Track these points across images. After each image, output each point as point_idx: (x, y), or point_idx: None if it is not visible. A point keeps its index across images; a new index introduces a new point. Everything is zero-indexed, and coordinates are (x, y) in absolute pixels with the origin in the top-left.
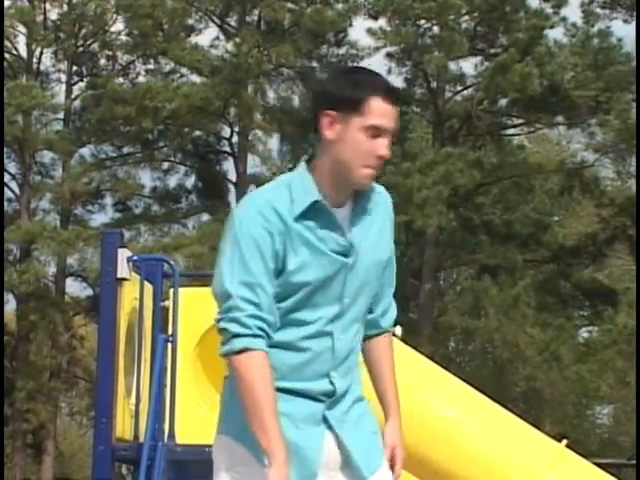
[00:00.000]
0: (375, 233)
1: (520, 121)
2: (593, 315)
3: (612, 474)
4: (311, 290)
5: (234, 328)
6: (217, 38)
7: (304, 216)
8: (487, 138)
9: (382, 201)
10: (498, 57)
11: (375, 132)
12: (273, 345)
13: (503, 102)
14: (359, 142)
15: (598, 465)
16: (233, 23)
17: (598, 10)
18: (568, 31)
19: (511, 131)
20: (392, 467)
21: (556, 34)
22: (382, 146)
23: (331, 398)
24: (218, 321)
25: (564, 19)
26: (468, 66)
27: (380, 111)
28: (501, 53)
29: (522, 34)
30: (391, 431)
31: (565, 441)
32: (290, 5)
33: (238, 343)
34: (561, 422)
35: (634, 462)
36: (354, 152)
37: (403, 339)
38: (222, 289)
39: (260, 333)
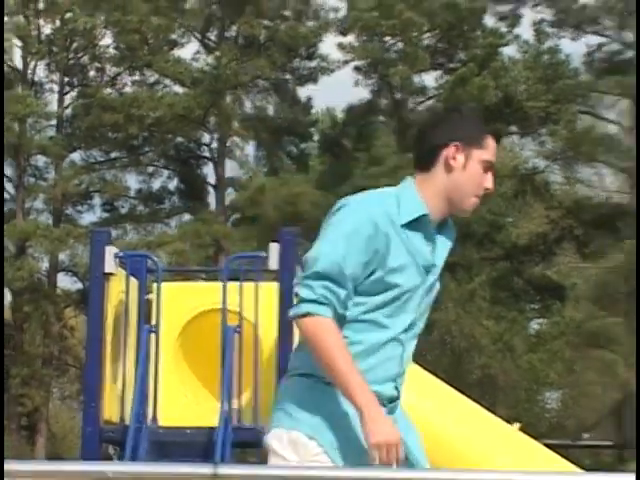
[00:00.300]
0: (444, 260)
1: None
2: (543, 309)
3: (559, 454)
4: (399, 294)
5: (303, 293)
6: (198, 52)
7: (409, 226)
8: None
9: (453, 234)
10: (457, 71)
11: (487, 166)
12: (355, 343)
13: None
14: (476, 173)
15: (547, 446)
16: (213, 38)
17: (548, 29)
18: (521, 48)
19: None
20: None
21: (510, 51)
22: (490, 180)
23: (392, 403)
24: (295, 285)
25: (517, 37)
26: (430, 79)
27: (493, 148)
28: (460, 67)
29: (479, 50)
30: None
31: (518, 424)
32: (265, 22)
33: (303, 307)
34: (514, 407)
35: (579, 443)
36: (471, 181)
37: None
38: (312, 259)
39: (325, 301)
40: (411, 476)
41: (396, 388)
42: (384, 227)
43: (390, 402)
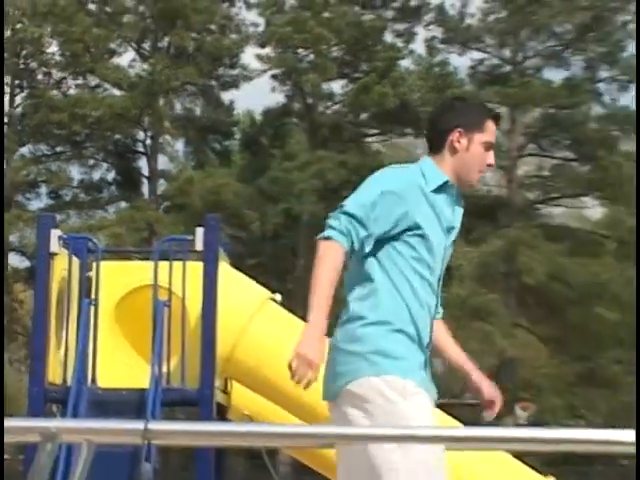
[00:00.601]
0: (459, 224)
1: (377, 131)
2: None
3: (445, 411)
4: (430, 247)
5: (331, 222)
6: (134, 60)
7: (436, 190)
8: (351, 144)
9: (462, 202)
10: (361, 80)
11: (487, 146)
12: (406, 294)
13: (364, 116)
14: (478, 153)
15: (437, 405)
16: (147, 48)
17: (439, 45)
18: (415, 61)
19: (370, 139)
20: (491, 403)
21: (406, 63)
22: (491, 157)
23: (428, 348)
24: (328, 217)
25: (412, 52)
26: (337, 86)
27: (492, 130)
28: (363, 77)
29: (380, 62)
30: (481, 378)
31: None
32: (194, 34)
33: (327, 232)
34: None
35: (462, 402)
36: (474, 160)
37: (282, 304)
38: (346, 202)
39: (345, 233)
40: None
41: (430, 335)
42: (415, 191)
43: (427, 347)
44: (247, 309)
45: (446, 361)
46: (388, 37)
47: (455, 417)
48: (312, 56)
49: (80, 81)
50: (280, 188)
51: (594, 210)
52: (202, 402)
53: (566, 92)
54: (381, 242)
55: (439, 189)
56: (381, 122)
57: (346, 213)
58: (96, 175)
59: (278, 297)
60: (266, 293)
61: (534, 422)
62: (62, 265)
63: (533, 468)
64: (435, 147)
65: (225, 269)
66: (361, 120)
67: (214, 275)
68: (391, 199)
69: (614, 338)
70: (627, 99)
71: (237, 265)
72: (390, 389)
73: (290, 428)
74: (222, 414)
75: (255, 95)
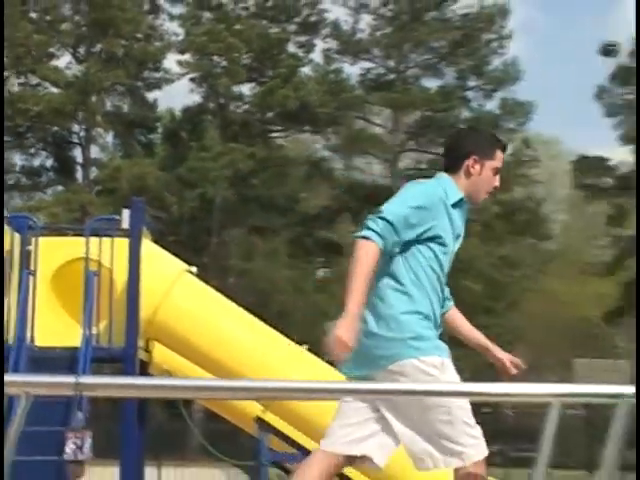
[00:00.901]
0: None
1: (280, 128)
2: (326, 261)
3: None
4: (445, 251)
5: (370, 224)
6: (71, 62)
7: (454, 205)
8: (258, 139)
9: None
10: (267, 84)
11: (496, 171)
12: (427, 287)
13: (269, 115)
14: (488, 177)
15: (327, 362)
16: (82, 52)
17: (334, 55)
18: (314, 68)
19: (274, 134)
20: (509, 369)
21: (306, 70)
22: (497, 180)
23: (439, 328)
24: (367, 219)
25: (311, 60)
26: (246, 89)
27: (500, 158)
28: (269, 81)
29: (283, 69)
30: (500, 351)
31: (306, 345)
32: (123, 42)
33: (365, 232)
34: (304, 334)
35: None
36: (484, 183)
37: (198, 275)
38: (386, 209)
39: (382, 235)
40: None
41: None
42: (440, 206)
43: (439, 327)
44: (167, 279)
45: (467, 340)
46: (291, 47)
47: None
48: (225, 62)
49: (23, 80)
50: (196, 175)
51: None
52: (126, 359)
53: (440, 98)
54: (408, 244)
55: (455, 204)
56: (284, 120)
57: (384, 219)
58: (36, 162)
59: (194, 269)
60: (183, 266)
61: None
62: (6, 240)
63: None
64: (452, 168)
65: (148, 245)
66: (267, 118)
67: (138, 250)
68: (423, 214)
69: (479, 306)
70: (492, 105)
71: (158, 241)
72: (430, 367)
73: (203, 382)
74: (144, 370)
75: (175, 95)
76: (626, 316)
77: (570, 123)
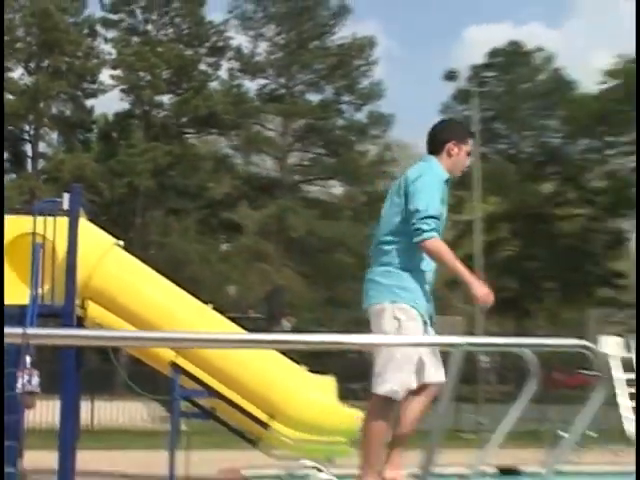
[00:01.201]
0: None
1: (193, 130)
2: (228, 238)
3: (236, 323)
4: (442, 220)
5: (425, 227)
6: (23, 74)
7: (445, 181)
8: (175, 139)
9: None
10: (183, 95)
11: (468, 154)
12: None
13: (184, 119)
14: (463, 158)
15: (229, 318)
16: (33, 66)
17: (237, 73)
18: (220, 83)
19: (188, 136)
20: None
21: (214, 84)
22: (468, 162)
23: (430, 284)
24: (415, 224)
25: (218, 77)
26: (165, 99)
27: (471, 144)
28: (184, 93)
29: (196, 83)
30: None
31: (211, 305)
32: (67, 59)
33: (426, 235)
34: (210, 295)
35: (247, 316)
36: (460, 163)
37: (125, 248)
38: (424, 208)
39: (437, 230)
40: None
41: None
42: (443, 185)
43: (431, 283)
44: (99, 250)
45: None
46: (202, 66)
47: (242, 326)
48: (149, 77)
49: None
50: (124, 167)
51: (337, 189)
52: (66, 315)
53: (320, 109)
54: None
55: (445, 181)
56: (195, 124)
57: (431, 216)
58: None
59: (121, 243)
60: (113, 240)
61: (295, 330)
62: None
63: (293, 359)
64: (436, 151)
65: (84, 223)
66: (182, 122)
67: (76, 227)
68: (439, 197)
69: (349, 274)
70: (361, 115)
71: (93, 220)
72: (399, 311)
73: (128, 333)
74: (80, 323)
75: (108, 103)
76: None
77: (422, 132)
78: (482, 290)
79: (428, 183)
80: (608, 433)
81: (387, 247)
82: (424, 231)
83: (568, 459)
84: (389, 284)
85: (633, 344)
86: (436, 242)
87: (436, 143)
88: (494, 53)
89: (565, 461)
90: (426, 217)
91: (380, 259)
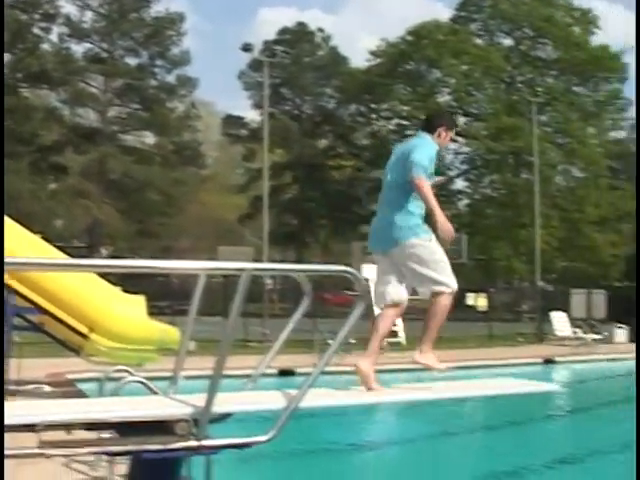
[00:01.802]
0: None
1: (27, 85)
2: (56, 178)
3: (66, 253)
4: (431, 178)
5: (419, 171)
6: None
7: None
8: (11, 92)
9: None
10: (18, 54)
11: (451, 139)
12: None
13: (19, 75)
14: (446, 142)
15: (59, 248)
16: None
17: (66, 37)
18: (51, 45)
19: (22, 90)
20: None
21: (46, 46)
22: (449, 143)
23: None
24: (412, 168)
25: (50, 40)
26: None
27: (454, 130)
28: (19, 52)
29: (30, 44)
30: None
31: (40, 235)
32: None
33: (419, 174)
34: (39, 227)
35: (75, 245)
36: (445, 143)
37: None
38: (420, 159)
39: (426, 174)
40: None
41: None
42: (435, 152)
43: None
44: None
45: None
46: (36, 30)
47: (67, 254)
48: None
49: None
50: None
51: (150, 139)
52: None
53: (137, 71)
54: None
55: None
56: (29, 80)
57: (423, 166)
58: None
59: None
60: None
61: (111, 256)
62: None
63: (110, 282)
64: (430, 131)
65: None
66: (17, 77)
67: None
68: (433, 158)
69: (158, 211)
70: (171, 78)
71: None
72: (426, 241)
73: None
74: None
75: None
76: (253, 219)
77: (223, 93)
78: (448, 227)
79: (427, 146)
80: (366, 340)
81: (397, 195)
82: (417, 172)
83: (334, 362)
84: (410, 224)
85: None
86: (423, 181)
87: (432, 125)
88: (283, 31)
89: (331, 364)
90: (420, 165)
91: (392, 205)
